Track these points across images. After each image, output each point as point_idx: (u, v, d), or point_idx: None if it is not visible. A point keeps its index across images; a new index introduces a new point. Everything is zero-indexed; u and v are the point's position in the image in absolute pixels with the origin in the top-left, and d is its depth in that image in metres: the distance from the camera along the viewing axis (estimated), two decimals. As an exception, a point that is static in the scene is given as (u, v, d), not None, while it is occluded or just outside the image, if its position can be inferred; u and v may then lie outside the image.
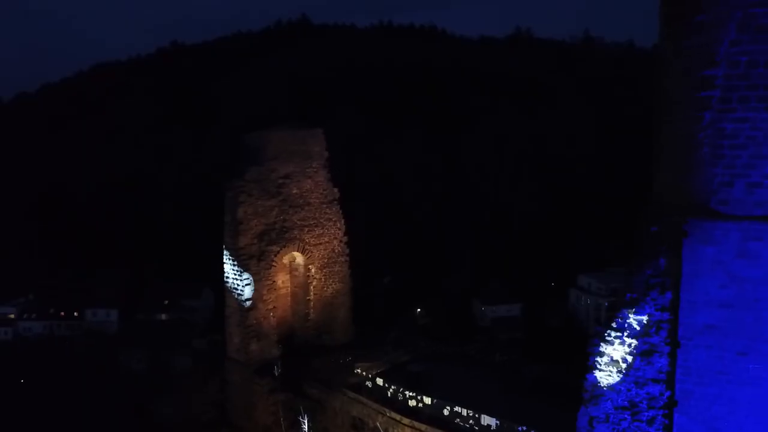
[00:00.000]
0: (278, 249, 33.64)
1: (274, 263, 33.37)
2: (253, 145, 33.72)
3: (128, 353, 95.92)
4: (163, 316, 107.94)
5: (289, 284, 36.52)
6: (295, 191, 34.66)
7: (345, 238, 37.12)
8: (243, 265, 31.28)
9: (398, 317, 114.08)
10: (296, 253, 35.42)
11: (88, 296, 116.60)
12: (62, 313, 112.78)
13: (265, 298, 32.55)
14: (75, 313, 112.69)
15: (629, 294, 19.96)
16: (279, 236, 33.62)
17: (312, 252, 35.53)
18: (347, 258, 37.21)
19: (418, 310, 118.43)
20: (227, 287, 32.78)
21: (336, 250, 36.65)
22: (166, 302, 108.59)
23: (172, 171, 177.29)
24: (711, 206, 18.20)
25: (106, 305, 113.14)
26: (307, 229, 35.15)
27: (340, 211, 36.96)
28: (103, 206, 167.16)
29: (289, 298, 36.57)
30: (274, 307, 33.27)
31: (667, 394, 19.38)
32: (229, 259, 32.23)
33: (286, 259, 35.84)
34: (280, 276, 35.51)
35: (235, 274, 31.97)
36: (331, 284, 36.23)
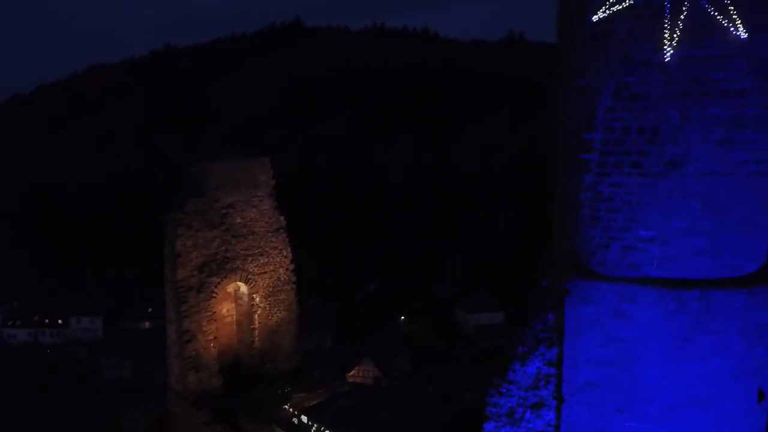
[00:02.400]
0: (219, 280, 34.05)
1: (214, 294, 33.79)
2: (195, 175, 34.07)
3: (110, 363, 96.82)
4: (147, 324, 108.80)
5: (234, 312, 36.96)
6: (238, 221, 35.04)
7: (291, 266, 37.52)
8: (181, 298, 31.72)
9: (382, 325, 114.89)
10: (240, 283, 35.86)
11: (74, 303, 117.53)
12: (46, 321, 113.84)
13: (204, 329, 32.98)
14: (59, 321, 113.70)
15: (521, 347, 20.36)
16: (220, 267, 34.03)
17: (256, 281, 35.94)
18: (294, 286, 37.60)
19: (402, 317, 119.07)
20: (167, 318, 33.26)
21: (282, 279, 37.04)
22: (150, 310, 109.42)
23: (167, 173, 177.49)
24: (590, 266, 18.64)
25: (90, 313, 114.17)
26: (251, 258, 35.53)
27: (287, 239, 37.33)
28: (96, 209, 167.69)
29: (234, 326, 37.02)
30: (215, 337, 33.70)
31: (555, 447, 19.82)
32: (169, 291, 32.68)
33: (230, 288, 36.28)
34: (224, 305, 35.96)
35: (173, 306, 32.42)
36: (276, 313, 36.63)
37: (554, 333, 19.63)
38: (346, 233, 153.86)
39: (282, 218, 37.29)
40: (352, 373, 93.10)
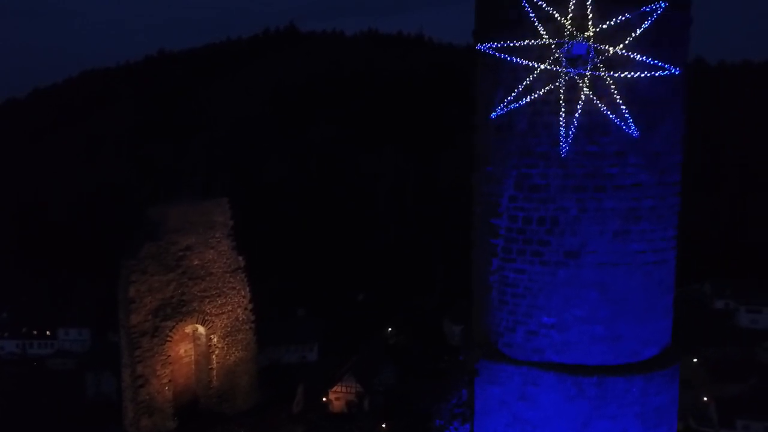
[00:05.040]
0: (174, 324, 34.50)
1: (169, 338, 34.23)
2: (153, 218, 34.51)
3: (93, 377, 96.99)
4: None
5: (192, 353, 37.43)
6: (196, 262, 35.50)
7: (250, 306, 37.98)
8: (134, 343, 32.20)
9: (369, 336, 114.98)
10: (198, 324, 36.33)
11: (63, 314, 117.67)
12: (35, 332, 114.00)
13: (158, 373, 33.43)
14: (47, 332, 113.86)
15: (438, 420, 20.86)
16: (176, 310, 34.47)
17: (214, 322, 36.40)
18: (252, 325, 38.06)
19: (389, 329, 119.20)
20: (122, 362, 33.73)
21: (240, 319, 37.51)
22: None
23: (162, 179, 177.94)
24: (498, 348, 19.12)
25: (78, 324, 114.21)
26: (208, 300, 35.98)
27: (245, 279, 37.78)
28: (86, 216, 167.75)
29: (193, 366, 37.49)
30: (170, 380, 34.16)
31: None
32: (122, 335, 33.16)
33: (189, 329, 36.74)
34: (182, 346, 36.42)
35: (127, 351, 32.90)
36: (234, 352, 37.10)
37: (467, 409, 20.12)
38: (335, 241, 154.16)
39: (240, 258, 37.74)
40: (334, 389, 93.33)
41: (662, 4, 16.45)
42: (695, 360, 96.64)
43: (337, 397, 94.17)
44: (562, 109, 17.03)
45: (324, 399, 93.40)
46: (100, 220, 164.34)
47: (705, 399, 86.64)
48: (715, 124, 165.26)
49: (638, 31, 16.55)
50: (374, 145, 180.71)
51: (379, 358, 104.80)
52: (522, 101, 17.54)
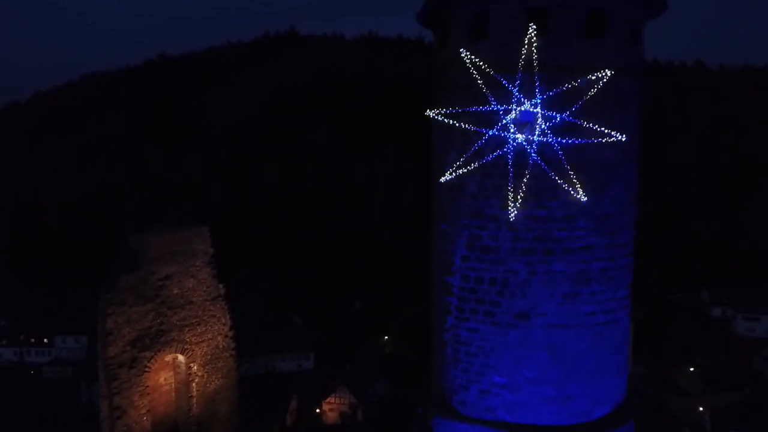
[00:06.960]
0: (153, 354, 34.49)
1: (147, 369, 34.20)
2: (131, 248, 34.51)
3: (89, 386, 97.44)
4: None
5: (172, 380, 37.47)
6: (175, 291, 35.38)
7: (231, 333, 37.96)
8: (112, 374, 32.25)
9: (364, 345, 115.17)
10: (177, 353, 36.37)
11: (60, 321, 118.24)
12: (32, 340, 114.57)
13: (137, 404, 33.38)
14: (45, 340, 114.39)
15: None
16: (154, 340, 34.39)
17: (193, 350, 36.32)
18: (233, 352, 37.98)
19: (386, 337, 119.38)
20: (100, 392, 33.82)
21: (220, 346, 37.41)
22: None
23: (161, 183, 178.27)
24: (453, 405, 19.24)
25: (75, 331, 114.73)
26: (187, 328, 35.87)
27: (226, 307, 37.73)
28: (85, 222, 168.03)
29: (173, 394, 37.53)
30: (148, 410, 34.21)
31: None
32: (101, 367, 33.24)
33: (169, 357, 36.79)
34: (162, 374, 36.41)
35: (105, 382, 32.99)
36: (214, 380, 37.01)
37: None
38: (332, 246, 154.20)
39: (221, 286, 37.65)
40: (328, 400, 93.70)
41: (608, 73, 16.53)
42: (692, 369, 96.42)
43: (330, 408, 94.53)
44: (511, 173, 17.14)
45: (318, 410, 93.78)
46: (99, 226, 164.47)
47: (701, 408, 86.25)
48: (714, 128, 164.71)
49: (585, 98, 16.64)
50: (374, 147, 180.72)
51: (374, 367, 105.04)
52: (473, 164, 17.64)
